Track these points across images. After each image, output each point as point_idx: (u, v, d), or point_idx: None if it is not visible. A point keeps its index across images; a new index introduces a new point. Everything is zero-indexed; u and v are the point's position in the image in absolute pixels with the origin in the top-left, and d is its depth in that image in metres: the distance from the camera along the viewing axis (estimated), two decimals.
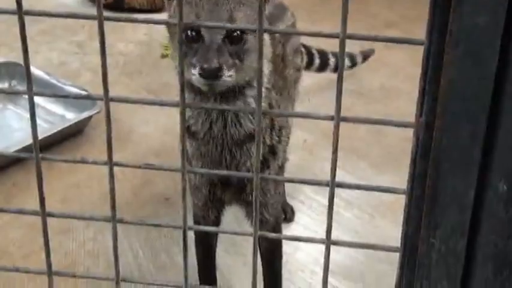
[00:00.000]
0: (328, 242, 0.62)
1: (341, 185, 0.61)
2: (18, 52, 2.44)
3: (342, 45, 0.53)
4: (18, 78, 2.19)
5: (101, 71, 0.54)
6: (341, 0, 0.49)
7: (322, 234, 1.67)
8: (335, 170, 0.58)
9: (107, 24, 0.54)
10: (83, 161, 0.63)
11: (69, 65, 2.49)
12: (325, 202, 1.79)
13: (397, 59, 2.59)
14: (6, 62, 2.22)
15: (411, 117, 0.55)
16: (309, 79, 2.12)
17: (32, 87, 0.58)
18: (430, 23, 0.54)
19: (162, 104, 0.61)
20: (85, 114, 2.10)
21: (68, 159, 0.64)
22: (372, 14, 3.09)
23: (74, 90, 2.11)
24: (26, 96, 1.83)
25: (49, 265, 0.66)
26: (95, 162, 0.64)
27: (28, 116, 1.91)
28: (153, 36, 2.68)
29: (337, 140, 0.57)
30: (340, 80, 0.53)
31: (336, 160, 0.58)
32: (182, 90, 0.55)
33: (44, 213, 0.63)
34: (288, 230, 1.77)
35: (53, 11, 0.56)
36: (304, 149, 2.09)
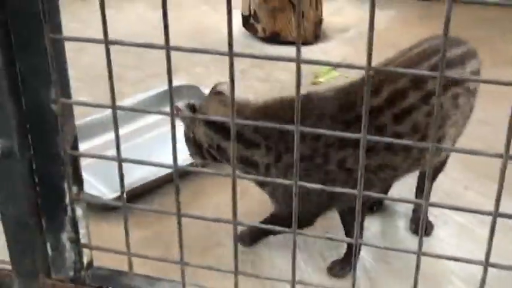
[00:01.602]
0: (487, 264, 0.71)
1: (503, 215, 0.68)
2: (194, 76, 2.70)
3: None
4: (196, 99, 2.41)
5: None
6: None
7: (458, 249, 1.74)
8: (499, 201, 0.67)
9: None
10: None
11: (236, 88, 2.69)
12: (459, 218, 1.85)
13: None
14: (187, 85, 2.45)
15: None
16: None
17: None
18: None
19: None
20: None
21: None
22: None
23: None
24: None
25: (236, 265, 0.79)
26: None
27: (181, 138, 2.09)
28: (306, 65, 2.82)
29: (503, 178, 0.65)
30: None
31: (500, 192, 0.66)
32: None
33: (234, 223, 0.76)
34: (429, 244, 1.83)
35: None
36: None
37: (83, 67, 2.65)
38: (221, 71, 2.79)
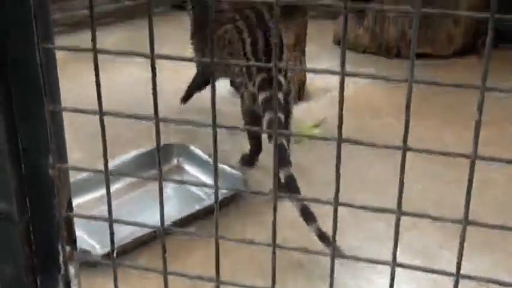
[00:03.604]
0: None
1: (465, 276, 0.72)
2: (185, 135, 2.75)
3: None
4: (185, 156, 2.47)
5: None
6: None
7: None
8: (460, 264, 0.71)
9: None
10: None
11: (223, 147, 2.74)
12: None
13: None
14: (176, 144, 2.50)
15: None
16: None
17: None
18: None
19: None
20: (233, 191, 2.22)
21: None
22: None
23: (228, 169, 2.30)
24: (191, 172, 2.07)
25: None
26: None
27: (191, 188, 2.13)
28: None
29: (463, 239, 0.70)
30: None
31: (461, 253, 0.70)
32: None
33: None
34: None
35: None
36: None
37: (77, 125, 2.70)
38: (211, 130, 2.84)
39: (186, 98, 3.08)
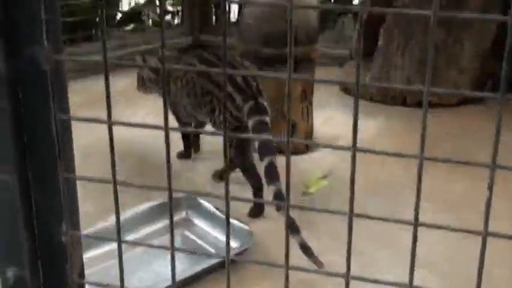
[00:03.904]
0: None
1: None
2: (193, 185, 2.76)
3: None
4: (193, 209, 2.47)
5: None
6: None
7: None
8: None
9: None
10: None
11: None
12: None
13: None
14: (186, 197, 2.51)
15: None
16: None
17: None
18: None
19: None
20: (243, 246, 2.19)
21: None
22: None
23: (237, 223, 2.28)
24: (199, 225, 2.07)
25: None
26: None
27: (199, 241, 2.14)
28: (297, 175, 2.87)
29: None
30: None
31: None
32: None
33: None
34: None
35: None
36: None
37: (88, 174, 2.72)
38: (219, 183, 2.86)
39: (187, 152, 3.09)
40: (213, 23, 5.29)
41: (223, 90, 2.79)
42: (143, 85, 3.08)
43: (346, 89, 4.20)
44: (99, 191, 2.63)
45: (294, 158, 3.07)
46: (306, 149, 3.23)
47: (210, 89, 2.62)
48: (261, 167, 2.41)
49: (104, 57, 0.76)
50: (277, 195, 2.27)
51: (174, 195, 2.28)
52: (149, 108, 3.56)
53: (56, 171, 0.87)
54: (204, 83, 2.63)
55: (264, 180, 2.40)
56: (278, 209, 2.27)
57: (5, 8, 0.78)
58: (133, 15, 5.35)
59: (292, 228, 2.06)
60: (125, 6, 5.39)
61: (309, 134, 3.28)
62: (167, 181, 0.79)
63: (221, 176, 2.83)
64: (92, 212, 2.44)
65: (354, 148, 0.72)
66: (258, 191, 2.56)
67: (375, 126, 3.58)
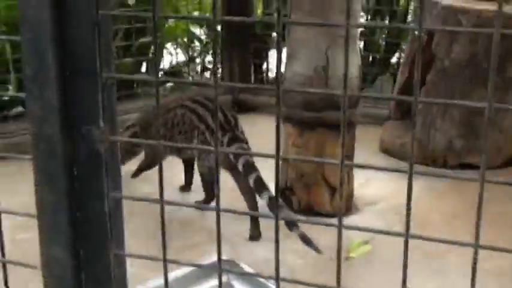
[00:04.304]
0: None
1: None
2: (233, 246, 2.75)
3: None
4: (234, 274, 2.44)
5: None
6: None
7: None
8: None
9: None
10: None
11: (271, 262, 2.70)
12: None
13: None
14: (226, 260, 2.49)
15: None
16: None
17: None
18: None
19: None
20: None
21: None
22: None
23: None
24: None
25: None
26: None
27: None
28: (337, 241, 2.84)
29: None
30: None
31: None
32: None
33: None
34: None
35: None
36: None
37: (131, 229, 2.74)
38: (262, 243, 2.83)
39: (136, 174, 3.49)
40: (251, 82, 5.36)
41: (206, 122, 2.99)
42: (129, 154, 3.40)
43: (386, 150, 4.17)
44: (143, 246, 2.65)
45: (334, 221, 3.02)
46: (347, 211, 3.19)
47: (196, 124, 3.00)
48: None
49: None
50: (271, 202, 2.66)
51: (212, 258, 2.30)
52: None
53: (106, 248, 0.88)
54: (192, 118, 3.01)
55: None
56: (290, 228, 2.53)
57: (65, 90, 0.81)
58: (174, 73, 5.48)
59: (290, 224, 2.47)
60: (166, 64, 5.52)
61: (350, 196, 3.25)
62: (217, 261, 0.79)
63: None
64: (132, 273, 2.44)
65: (407, 233, 0.71)
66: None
67: (415, 188, 3.53)
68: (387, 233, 0.75)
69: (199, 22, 5.52)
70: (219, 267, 0.81)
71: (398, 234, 0.73)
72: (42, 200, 0.87)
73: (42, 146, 0.84)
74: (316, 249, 2.42)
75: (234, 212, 0.84)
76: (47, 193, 0.86)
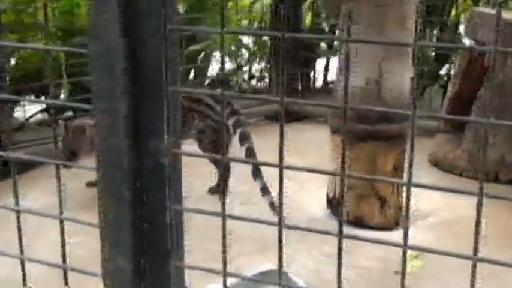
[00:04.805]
0: None
1: None
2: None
3: None
4: (283, 284, 2.43)
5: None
6: None
7: None
8: None
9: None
10: None
11: (323, 273, 2.70)
12: None
13: None
14: (274, 270, 2.48)
15: None
16: None
17: None
18: None
19: None
20: None
21: None
22: None
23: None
24: None
25: None
26: None
27: None
28: (389, 252, 2.80)
29: None
30: None
31: None
32: None
33: None
34: None
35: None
36: None
37: None
38: (307, 251, 2.81)
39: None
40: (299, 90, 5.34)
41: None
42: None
43: (435, 162, 4.10)
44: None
45: (383, 234, 2.98)
46: (396, 225, 3.15)
47: (192, 107, 3.29)
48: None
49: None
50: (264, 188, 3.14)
51: (263, 267, 2.28)
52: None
53: (167, 259, 0.88)
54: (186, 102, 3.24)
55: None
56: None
57: (132, 105, 0.83)
58: (222, 81, 5.52)
59: (265, 191, 3.12)
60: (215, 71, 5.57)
61: (399, 209, 3.20)
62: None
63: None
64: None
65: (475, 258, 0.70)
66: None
67: (466, 203, 3.45)
68: (458, 255, 0.73)
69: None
70: (280, 282, 0.81)
71: (467, 258, 0.71)
72: (106, 210, 0.88)
73: (109, 158, 0.85)
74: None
75: (295, 228, 0.84)
76: (112, 204, 0.87)
